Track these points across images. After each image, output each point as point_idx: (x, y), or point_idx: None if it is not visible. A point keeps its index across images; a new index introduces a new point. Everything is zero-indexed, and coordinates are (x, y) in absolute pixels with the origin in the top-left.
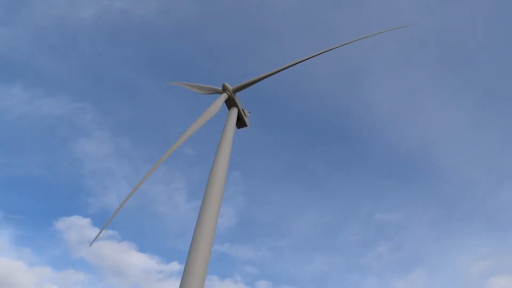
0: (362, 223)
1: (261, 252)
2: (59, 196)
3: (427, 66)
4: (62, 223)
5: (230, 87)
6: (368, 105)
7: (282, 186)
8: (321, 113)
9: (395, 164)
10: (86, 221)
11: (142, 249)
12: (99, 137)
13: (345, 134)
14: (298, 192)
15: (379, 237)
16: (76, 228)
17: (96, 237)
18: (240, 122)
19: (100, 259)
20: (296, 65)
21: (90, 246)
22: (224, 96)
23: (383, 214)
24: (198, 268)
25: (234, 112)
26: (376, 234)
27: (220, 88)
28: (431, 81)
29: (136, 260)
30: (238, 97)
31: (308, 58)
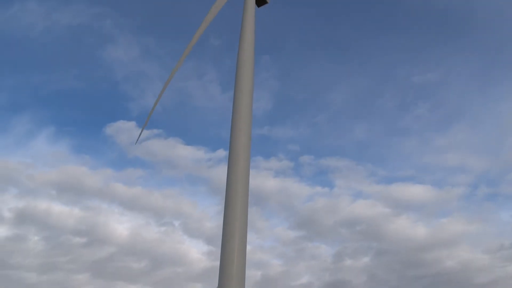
0: (399, 86)
1: (300, 130)
2: (100, 104)
3: None
4: (110, 129)
5: None
6: None
7: (314, 61)
8: None
9: (430, 19)
10: (131, 124)
11: (188, 142)
12: (124, 41)
13: None
14: (331, 64)
15: (418, 98)
16: (124, 131)
17: (140, 135)
18: (259, 0)
19: (153, 155)
20: None
21: (136, 143)
22: None
23: (421, 75)
24: (241, 150)
25: None
26: (414, 96)
27: None
28: None
29: (185, 153)
30: None
31: None
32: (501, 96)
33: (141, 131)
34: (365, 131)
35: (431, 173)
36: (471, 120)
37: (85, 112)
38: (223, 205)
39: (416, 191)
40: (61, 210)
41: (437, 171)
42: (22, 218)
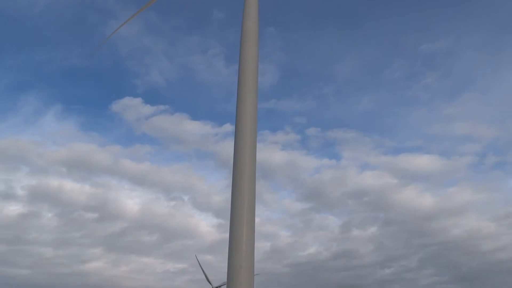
0: (407, 56)
1: (307, 102)
2: (106, 81)
3: None
4: (117, 106)
5: None
6: None
7: (320, 32)
8: None
9: None
10: (137, 100)
11: (194, 117)
12: (127, 16)
13: None
14: (337, 35)
15: (426, 68)
16: (131, 108)
17: (103, 42)
18: None
19: (160, 132)
20: None
21: (99, 46)
22: None
23: (430, 44)
24: (247, 124)
25: None
26: (423, 65)
27: None
28: None
29: (192, 128)
30: None
31: None
32: (511, 65)
33: (103, 42)
34: (372, 102)
35: (439, 143)
36: (480, 89)
37: (91, 90)
38: (231, 179)
39: (424, 161)
40: (72, 187)
41: (445, 141)
42: (35, 195)
